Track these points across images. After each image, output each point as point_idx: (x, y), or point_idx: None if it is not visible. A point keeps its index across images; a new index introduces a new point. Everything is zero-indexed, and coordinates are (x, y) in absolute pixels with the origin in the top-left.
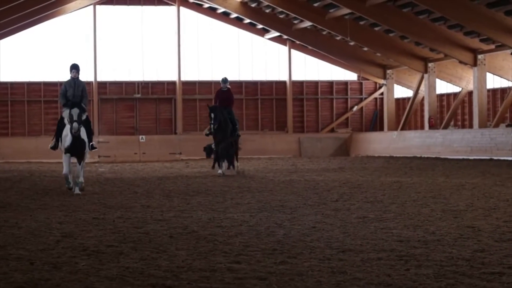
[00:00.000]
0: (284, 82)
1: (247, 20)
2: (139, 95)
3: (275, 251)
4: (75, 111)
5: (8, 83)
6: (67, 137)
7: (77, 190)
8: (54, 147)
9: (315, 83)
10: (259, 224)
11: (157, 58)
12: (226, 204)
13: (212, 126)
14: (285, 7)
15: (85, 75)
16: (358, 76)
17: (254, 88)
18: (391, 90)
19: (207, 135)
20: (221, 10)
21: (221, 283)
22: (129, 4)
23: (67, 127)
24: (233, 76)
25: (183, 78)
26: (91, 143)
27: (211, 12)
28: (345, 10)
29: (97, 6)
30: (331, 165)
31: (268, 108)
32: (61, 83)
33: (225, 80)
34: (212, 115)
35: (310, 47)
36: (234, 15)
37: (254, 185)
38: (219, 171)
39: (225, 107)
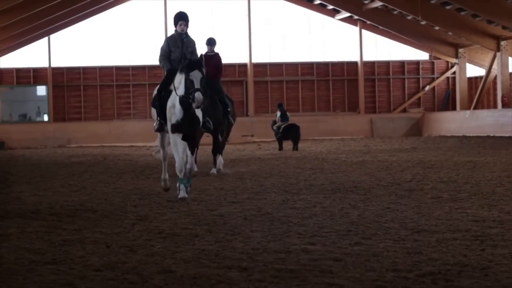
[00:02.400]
0: (355, 63)
1: (317, 1)
2: None
3: (350, 232)
4: (197, 75)
5: (80, 67)
6: (174, 108)
7: (182, 193)
8: (160, 129)
9: (387, 63)
10: (333, 205)
11: (227, 40)
12: (299, 186)
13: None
14: None
15: (155, 59)
16: (430, 56)
17: (326, 69)
18: (463, 69)
19: None
20: None
21: (296, 265)
22: None
23: (174, 96)
24: (304, 57)
25: (254, 60)
26: (204, 120)
27: None
28: None
29: None
30: (404, 146)
31: (340, 89)
32: (133, 67)
33: (211, 41)
34: None
35: (381, 27)
36: None
37: (327, 166)
38: (213, 170)
39: (210, 81)
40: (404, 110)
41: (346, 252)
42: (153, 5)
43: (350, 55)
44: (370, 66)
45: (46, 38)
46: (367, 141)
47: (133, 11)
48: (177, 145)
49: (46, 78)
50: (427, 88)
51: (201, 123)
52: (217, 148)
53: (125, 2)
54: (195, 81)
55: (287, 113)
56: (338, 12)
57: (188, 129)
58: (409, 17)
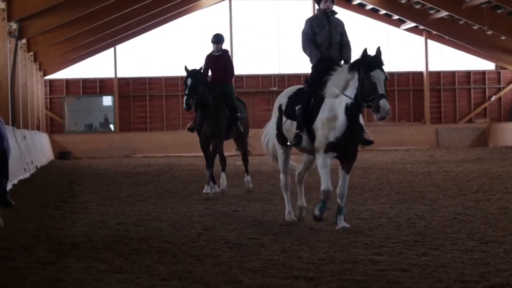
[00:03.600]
0: (421, 73)
1: (382, 11)
2: (275, 88)
3: (416, 242)
4: (379, 76)
5: (146, 78)
6: (336, 121)
7: (343, 223)
8: (299, 142)
9: (452, 73)
10: (399, 215)
11: (293, 50)
12: (365, 196)
13: (185, 99)
14: None
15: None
16: (496, 66)
17: (391, 80)
18: None
19: (190, 130)
20: (356, 1)
21: (363, 275)
22: None
23: (334, 103)
24: None
25: None
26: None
27: (346, 4)
28: None
29: (233, 0)
30: (470, 156)
31: (405, 99)
32: None
33: (218, 39)
34: (189, 81)
35: (446, 37)
36: (369, 7)
37: (393, 176)
38: (206, 188)
39: (219, 84)
40: (470, 121)
41: (413, 262)
42: (217, 13)
43: (415, 65)
44: (436, 76)
45: (112, 49)
46: (433, 151)
47: (198, 20)
48: (326, 167)
49: (112, 88)
50: (493, 98)
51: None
52: (222, 163)
53: (191, 13)
54: (378, 84)
55: None
56: (403, 22)
57: (348, 146)
58: (475, 27)
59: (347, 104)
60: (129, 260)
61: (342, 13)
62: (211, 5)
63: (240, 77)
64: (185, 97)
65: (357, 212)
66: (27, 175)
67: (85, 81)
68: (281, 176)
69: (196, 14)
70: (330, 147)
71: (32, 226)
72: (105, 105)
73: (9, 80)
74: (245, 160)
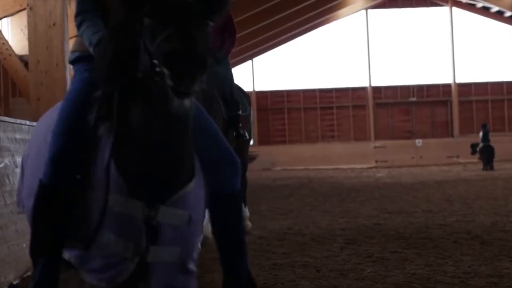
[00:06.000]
0: None
1: (508, 13)
2: (414, 99)
3: None
4: None
5: (284, 91)
6: None
7: None
8: None
9: None
10: None
11: (430, 60)
12: (508, 208)
13: None
14: None
15: (360, 81)
16: None
17: None
18: None
19: None
20: (495, 9)
21: None
22: (401, 7)
23: None
24: (509, 76)
25: (458, 80)
26: None
27: (484, 11)
28: None
29: (369, 10)
30: None
31: None
32: (336, 90)
33: None
34: None
35: None
36: (508, 14)
37: None
38: None
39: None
40: None
41: None
42: (354, 24)
43: None
44: None
45: (249, 62)
46: None
47: (335, 31)
48: None
49: (251, 101)
50: None
51: None
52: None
53: (327, 24)
54: None
55: (489, 134)
56: None
57: None
58: None
59: None
60: (272, 275)
61: (466, 16)
62: (348, 15)
63: (378, 88)
64: None
65: (501, 224)
66: None
67: None
68: None
69: (333, 25)
70: None
71: None
72: None
73: None
74: (243, 183)
